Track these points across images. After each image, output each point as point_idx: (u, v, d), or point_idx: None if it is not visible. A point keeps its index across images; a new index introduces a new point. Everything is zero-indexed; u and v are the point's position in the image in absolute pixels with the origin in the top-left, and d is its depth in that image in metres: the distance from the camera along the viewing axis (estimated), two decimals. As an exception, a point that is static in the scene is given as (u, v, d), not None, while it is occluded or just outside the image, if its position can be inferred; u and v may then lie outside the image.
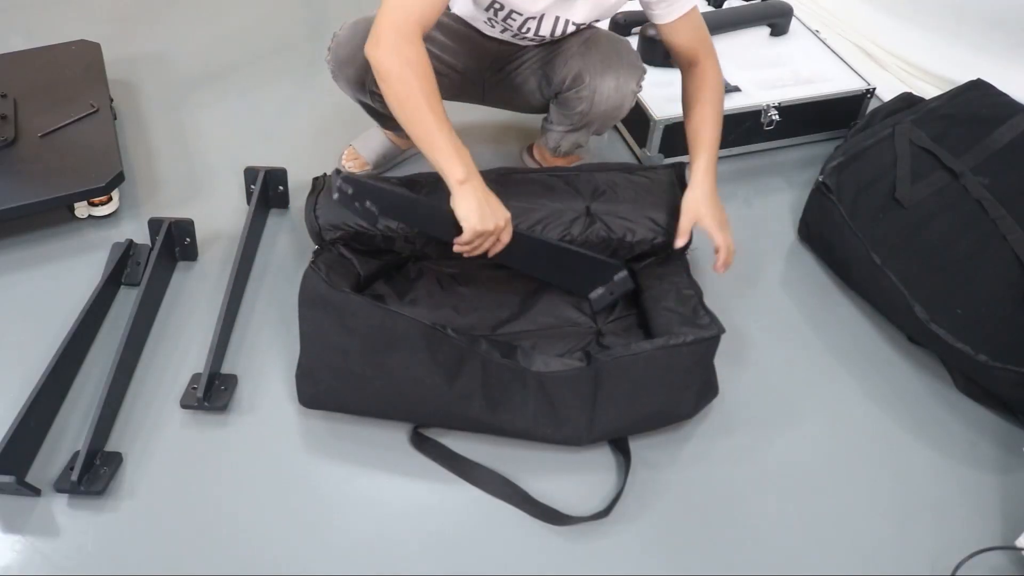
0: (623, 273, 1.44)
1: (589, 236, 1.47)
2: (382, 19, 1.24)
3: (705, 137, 1.45)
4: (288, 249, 1.65)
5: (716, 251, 1.42)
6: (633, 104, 1.54)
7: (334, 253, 1.44)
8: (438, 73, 1.52)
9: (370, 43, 1.24)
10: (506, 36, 1.51)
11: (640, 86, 1.52)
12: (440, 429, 1.33)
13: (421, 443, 1.31)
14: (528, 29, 1.46)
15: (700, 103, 1.45)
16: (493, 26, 1.49)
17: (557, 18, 1.43)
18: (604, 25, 1.65)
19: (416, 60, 1.22)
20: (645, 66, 1.53)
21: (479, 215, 1.26)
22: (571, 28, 1.46)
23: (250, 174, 1.69)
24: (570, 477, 1.29)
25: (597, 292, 1.46)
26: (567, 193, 1.51)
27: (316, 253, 1.42)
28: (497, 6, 1.41)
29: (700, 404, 1.35)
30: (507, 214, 1.31)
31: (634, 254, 1.49)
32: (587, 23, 1.48)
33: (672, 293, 1.41)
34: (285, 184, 1.71)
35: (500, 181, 1.47)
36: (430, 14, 1.25)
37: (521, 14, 1.41)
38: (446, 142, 1.24)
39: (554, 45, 1.53)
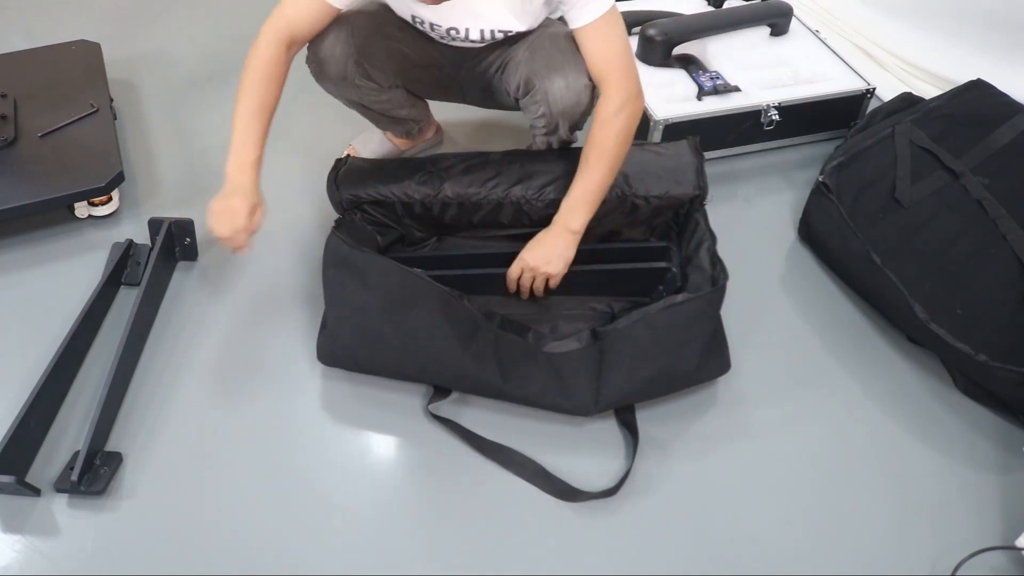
0: (673, 271, 1.48)
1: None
2: (266, 21, 1.37)
3: (579, 176, 1.39)
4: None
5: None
6: (593, 97, 1.48)
7: (355, 223, 1.46)
8: (420, 67, 1.55)
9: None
10: (448, 41, 1.51)
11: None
12: (452, 407, 1.35)
13: (436, 418, 1.34)
14: (456, 38, 1.47)
15: (589, 138, 1.39)
16: (432, 33, 1.49)
17: (482, 29, 1.43)
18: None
19: (256, 62, 1.35)
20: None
21: (213, 216, 1.29)
22: (500, 35, 1.45)
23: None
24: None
25: (658, 291, 1.51)
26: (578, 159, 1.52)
27: (338, 223, 1.44)
28: (418, 20, 1.45)
29: (707, 367, 1.37)
30: (243, 202, 1.29)
31: (651, 208, 1.50)
32: (522, 30, 1.45)
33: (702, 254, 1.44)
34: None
35: (511, 156, 1.54)
36: (297, 29, 1.37)
37: (440, 25, 1.43)
38: (234, 139, 1.35)
39: (506, 49, 1.52)
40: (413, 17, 1.46)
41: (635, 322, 1.28)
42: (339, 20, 1.45)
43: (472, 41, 1.48)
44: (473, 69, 1.57)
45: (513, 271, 1.42)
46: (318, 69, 1.50)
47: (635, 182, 1.48)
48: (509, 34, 1.46)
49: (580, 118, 1.52)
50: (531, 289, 1.44)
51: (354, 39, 1.45)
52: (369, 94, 1.54)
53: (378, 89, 1.53)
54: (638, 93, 1.40)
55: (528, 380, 1.31)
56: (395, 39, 1.50)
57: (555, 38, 1.45)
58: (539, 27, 1.50)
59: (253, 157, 1.34)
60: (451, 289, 1.29)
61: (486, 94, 1.61)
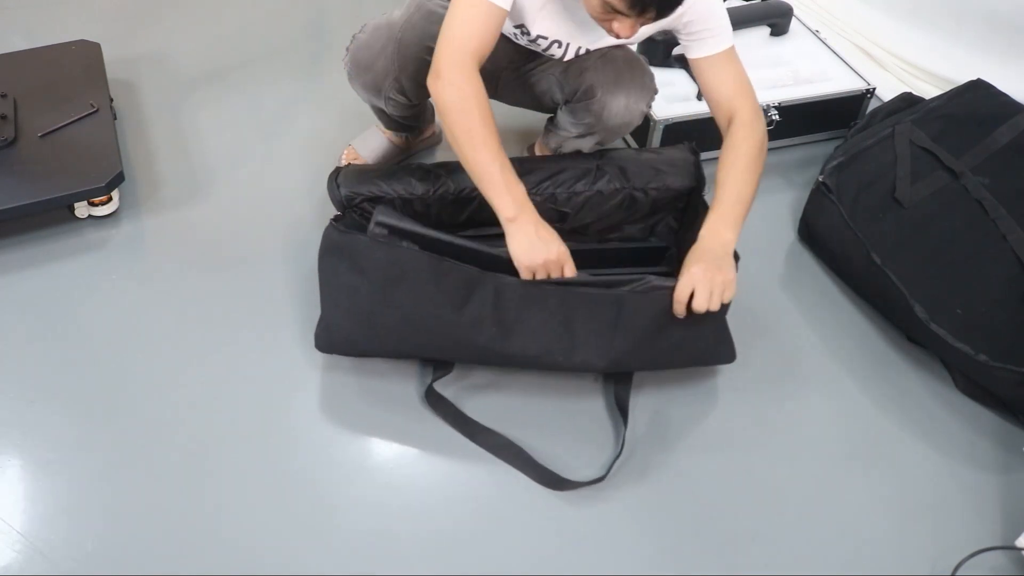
0: (672, 275, 1.45)
1: (600, 188, 1.48)
2: (440, 52, 1.26)
3: (723, 188, 1.32)
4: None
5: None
6: (640, 123, 1.53)
7: (355, 221, 1.46)
8: None
9: (431, 76, 1.26)
10: (532, 47, 1.52)
11: (650, 107, 1.52)
12: (449, 393, 1.36)
13: (432, 401, 1.35)
14: (553, 54, 1.47)
15: (729, 153, 1.33)
16: (519, 40, 1.49)
17: (580, 47, 1.44)
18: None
19: (473, 94, 1.24)
20: (656, 88, 1.52)
21: (527, 250, 1.25)
22: (595, 49, 1.47)
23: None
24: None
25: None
26: (579, 157, 1.54)
27: (336, 219, 1.43)
28: (523, 29, 1.42)
29: (716, 350, 1.38)
30: (561, 246, 1.27)
31: (650, 201, 1.50)
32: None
33: None
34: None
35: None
36: (485, 45, 1.27)
37: (546, 38, 1.42)
38: (499, 178, 1.24)
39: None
40: (520, 25, 1.40)
41: (659, 289, 1.26)
42: (388, 29, 1.44)
43: (562, 58, 1.47)
44: (520, 67, 1.56)
45: (683, 291, 1.24)
46: (355, 72, 1.50)
47: (633, 176, 1.49)
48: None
49: (615, 138, 1.55)
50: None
51: (399, 55, 1.44)
52: (393, 105, 1.54)
53: (407, 104, 1.54)
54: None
55: (532, 336, 1.29)
56: None
57: (628, 57, 1.48)
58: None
59: (524, 191, 1.28)
60: (441, 256, 1.28)
61: (523, 91, 1.60)
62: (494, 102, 1.67)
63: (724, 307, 1.35)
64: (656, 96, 1.53)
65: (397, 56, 1.44)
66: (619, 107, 1.46)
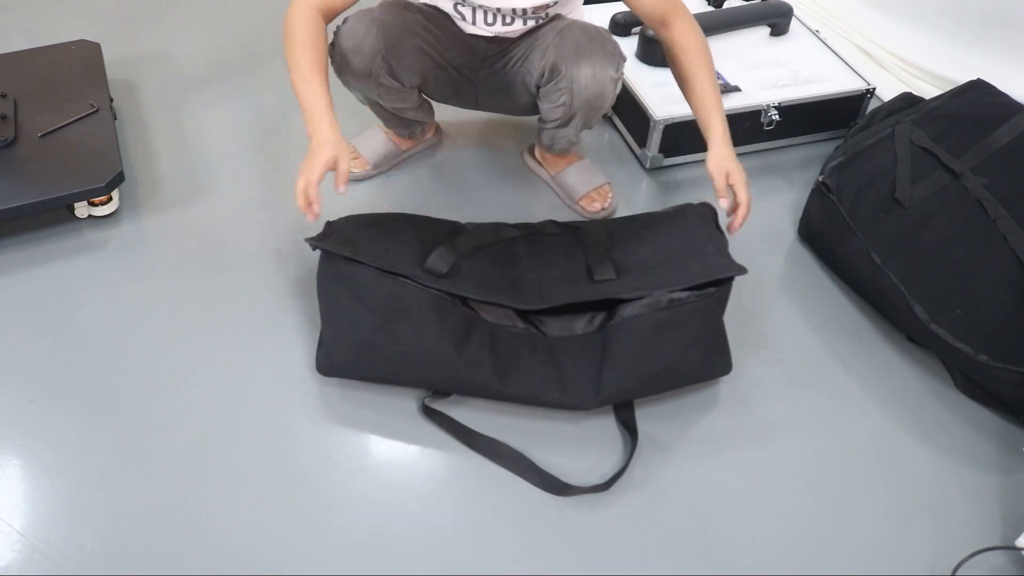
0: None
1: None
2: None
3: (711, 101, 1.42)
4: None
5: (734, 209, 1.40)
6: (617, 91, 1.52)
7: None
8: (439, 67, 1.56)
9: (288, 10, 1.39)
10: (486, 31, 1.53)
11: (620, 72, 1.50)
12: (447, 403, 1.36)
13: (430, 414, 1.34)
14: (497, 15, 1.49)
15: (693, 67, 1.42)
16: (464, 18, 1.51)
17: (525, 8, 1.47)
18: (581, 16, 1.65)
19: (306, 25, 1.37)
20: (624, 55, 1.51)
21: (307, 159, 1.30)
22: (540, 10, 1.49)
23: None
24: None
25: None
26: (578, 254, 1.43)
27: (329, 224, 1.39)
28: (460, 6, 1.46)
29: (709, 366, 1.37)
30: (329, 149, 1.27)
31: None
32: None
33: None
34: None
35: (527, 238, 1.47)
36: (334, 4, 1.40)
37: (482, 6, 1.46)
38: (302, 94, 1.34)
39: (533, 39, 1.54)
40: (456, 5, 1.47)
41: (638, 316, 1.27)
42: (368, 15, 1.47)
43: (510, 17, 1.49)
44: (493, 65, 1.58)
45: (720, 176, 1.38)
46: (343, 62, 1.50)
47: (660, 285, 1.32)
48: (548, 7, 1.48)
49: (596, 113, 1.53)
50: None
51: (383, 35, 1.46)
52: (389, 93, 1.54)
53: (400, 89, 1.54)
54: None
55: (526, 378, 1.30)
56: (420, 38, 1.51)
57: (586, 28, 1.49)
58: (569, 19, 1.53)
59: (323, 103, 1.31)
60: (440, 292, 1.28)
61: (501, 93, 1.62)
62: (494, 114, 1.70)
63: (720, 315, 1.36)
64: (624, 62, 1.51)
65: (382, 36, 1.46)
66: (586, 77, 1.45)
